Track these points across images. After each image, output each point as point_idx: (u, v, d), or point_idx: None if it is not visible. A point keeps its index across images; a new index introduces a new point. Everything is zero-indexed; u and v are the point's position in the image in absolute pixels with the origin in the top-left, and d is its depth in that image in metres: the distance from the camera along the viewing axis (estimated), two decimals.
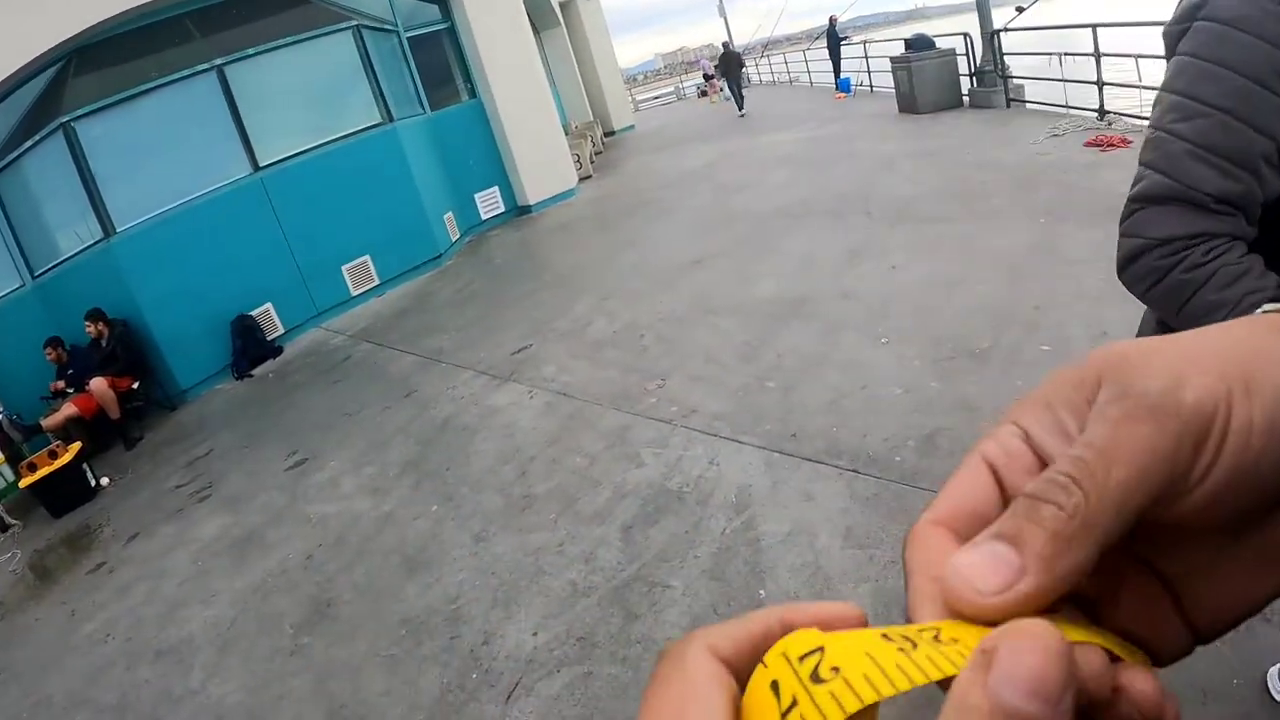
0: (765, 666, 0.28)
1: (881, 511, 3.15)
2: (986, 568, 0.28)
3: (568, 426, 4.94)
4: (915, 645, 0.27)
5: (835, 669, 0.26)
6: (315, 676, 3.65)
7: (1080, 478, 0.28)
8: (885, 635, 0.27)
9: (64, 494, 7.67)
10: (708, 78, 28.75)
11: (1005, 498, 0.32)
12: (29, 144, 9.07)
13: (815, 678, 0.26)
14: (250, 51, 9.65)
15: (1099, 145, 7.11)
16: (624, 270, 7.75)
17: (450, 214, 11.47)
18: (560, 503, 4.15)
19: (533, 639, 3.27)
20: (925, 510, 0.33)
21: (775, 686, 0.27)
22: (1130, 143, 6.94)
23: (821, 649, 0.27)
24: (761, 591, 2.99)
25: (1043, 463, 0.32)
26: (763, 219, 7.86)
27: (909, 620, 0.30)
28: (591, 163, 15.11)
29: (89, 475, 7.79)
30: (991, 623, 0.27)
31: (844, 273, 5.67)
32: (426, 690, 3.26)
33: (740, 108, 19.26)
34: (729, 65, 20.81)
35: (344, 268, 10.16)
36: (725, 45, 24.74)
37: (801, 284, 5.74)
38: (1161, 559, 0.32)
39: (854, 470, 3.46)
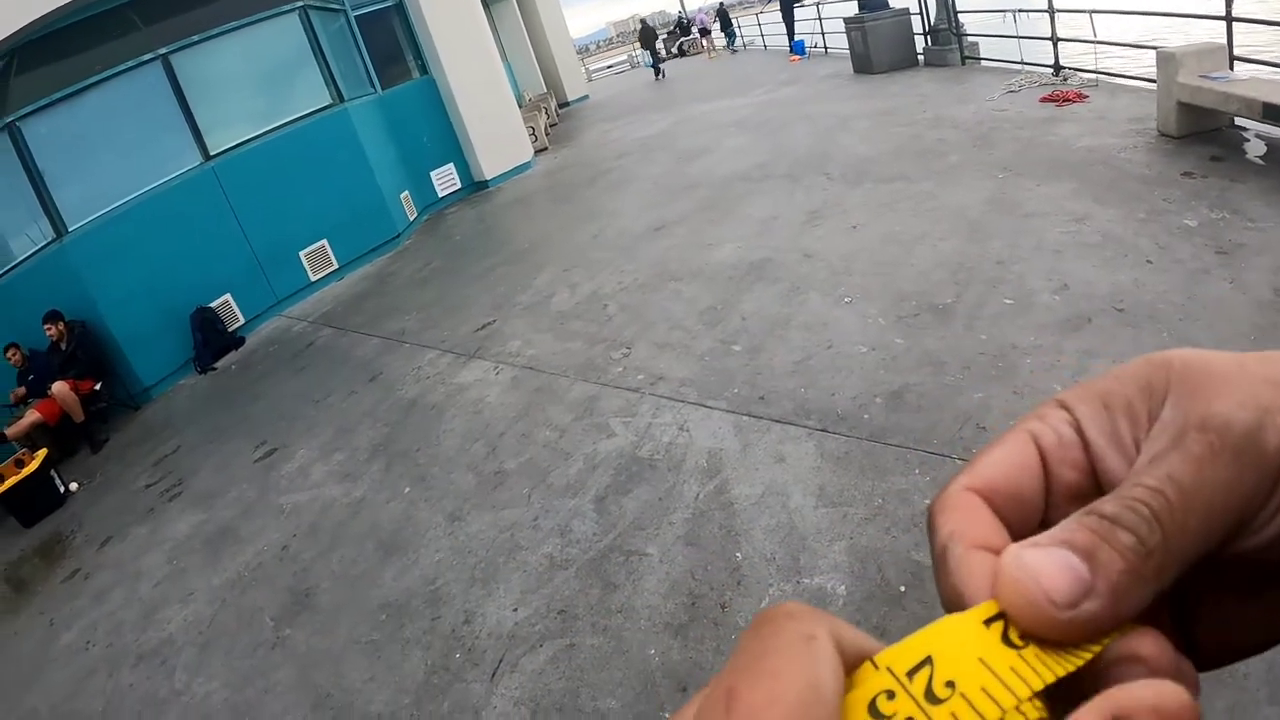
0: (875, 667, 0.26)
1: (853, 469, 3.17)
2: (1059, 576, 0.26)
3: (535, 400, 4.92)
4: (1021, 645, 0.25)
5: (950, 684, 0.25)
6: (299, 668, 3.64)
7: (1162, 515, 0.27)
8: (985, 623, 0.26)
9: (33, 503, 7.55)
10: (704, 32, 29.48)
11: (1049, 485, 0.31)
12: None
13: (931, 697, 0.24)
14: (195, 39, 9.46)
15: (1055, 100, 7.14)
16: (584, 241, 7.71)
17: (406, 193, 11.36)
18: (532, 477, 4.15)
19: (513, 615, 3.28)
20: (960, 475, 0.31)
21: (874, 709, 0.25)
22: (1087, 97, 6.97)
23: (930, 660, 0.26)
24: (738, 554, 3.00)
25: (1092, 465, 0.31)
26: (721, 184, 7.84)
27: (940, 588, 0.29)
28: (547, 135, 14.99)
29: (57, 481, 7.67)
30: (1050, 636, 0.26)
31: (805, 234, 5.67)
32: (411, 674, 3.27)
33: (658, 75, 23.39)
34: (647, 38, 25.43)
35: (302, 253, 10.05)
36: (643, 21, 28.03)
37: (763, 247, 5.74)
38: (1190, 582, 0.30)
39: (823, 429, 3.47)
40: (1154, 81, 5.68)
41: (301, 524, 4.80)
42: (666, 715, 2.53)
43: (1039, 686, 0.25)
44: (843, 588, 2.65)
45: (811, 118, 9.51)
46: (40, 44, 8.92)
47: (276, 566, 4.52)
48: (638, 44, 29.89)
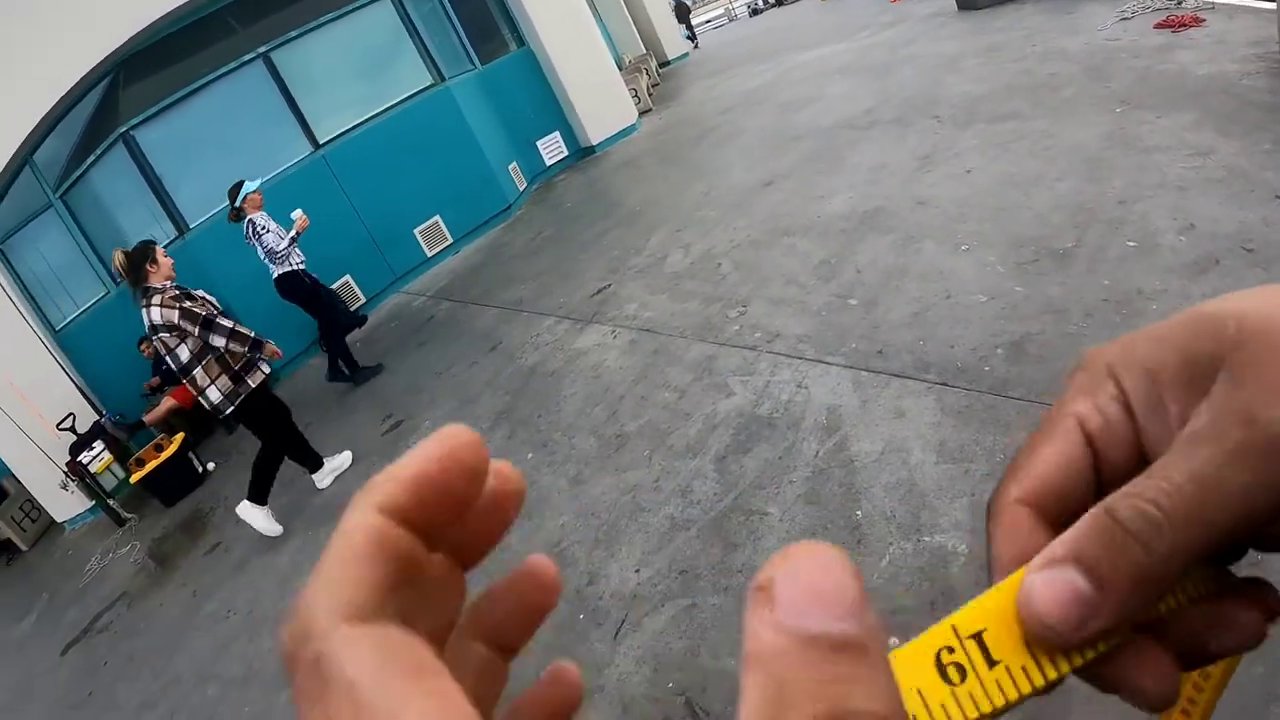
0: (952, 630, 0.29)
1: (974, 424, 3.12)
2: (1062, 603, 0.27)
3: (653, 362, 4.97)
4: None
5: (994, 661, 0.28)
6: None
7: (1174, 515, 0.26)
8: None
9: (174, 483, 8.03)
10: None
11: (1099, 467, 0.31)
12: (92, 158, 9.40)
13: (988, 660, 0.28)
14: (293, 34, 9.84)
15: (1170, 26, 6.76)
16: (694, 200, 7.70)
17: (515, 164, 11.51)
18: (653, 439, 4.20)
19: (636, 575, 3.35)
20: (1010, 478, 0.33)
21: (939, 660, 0.28)
22: (1204, 21, 6.61)
23: (983, 631, 0.28)
24: (858, 512, 3.00)
25: (1139, 441, 0.31)
26: (828, 133, 7.71)
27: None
28: (650, 95, 14.91)
29: (195, 462, 8.13)
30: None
31: (916, 181, 5.55)
32: (537, 634, 3.37)
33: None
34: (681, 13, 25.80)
35: (416, 231, 10.31)
36: None
37: (874, 196, 5.64)
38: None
39: (943, 383, 3.43)
40: (1274, 1, 5.37)
41: None
42: None
43: (1052, 676, 0.28)
44: (964, 546, 2.63)
45: (916, 59, 9.25)
46: (144, 56, 9.39)
47: None
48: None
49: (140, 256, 5.17)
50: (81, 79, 9.05)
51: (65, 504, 10.23)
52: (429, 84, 10.60)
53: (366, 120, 10.23)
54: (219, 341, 5.15)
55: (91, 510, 10.02)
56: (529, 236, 9.42)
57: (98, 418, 9.69)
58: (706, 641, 2.84)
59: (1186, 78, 5.39)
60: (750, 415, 3.94)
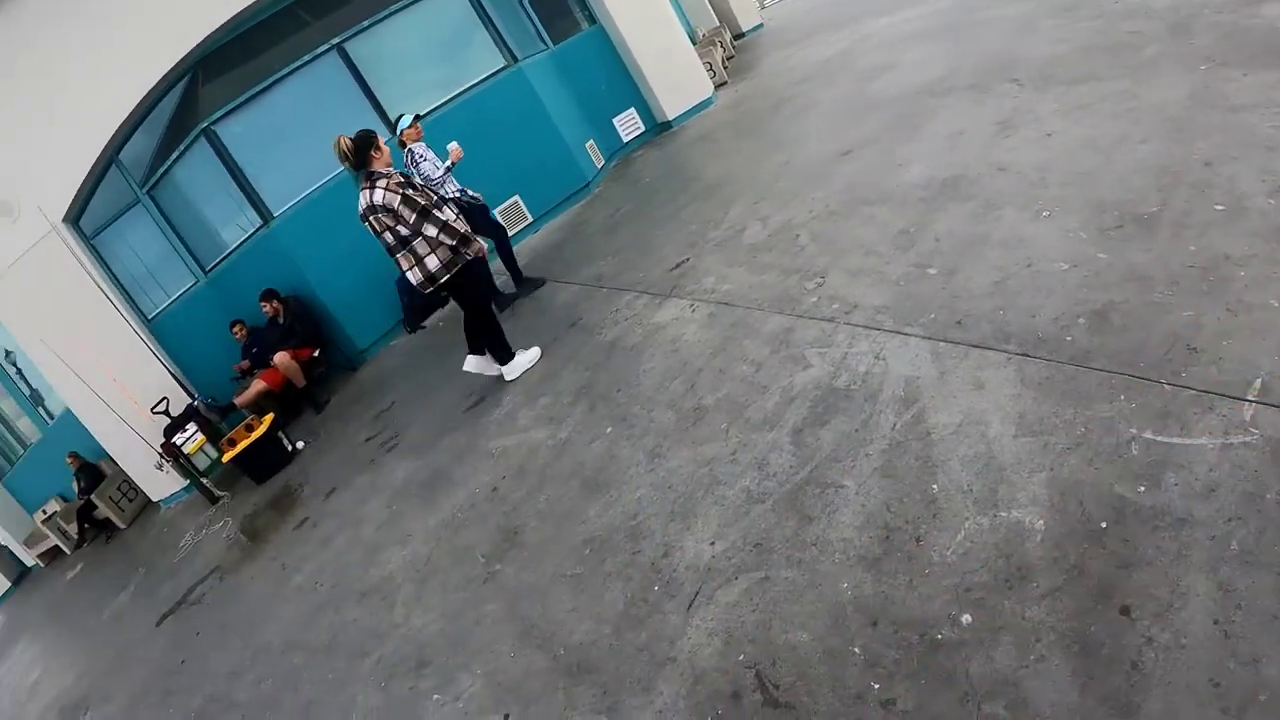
0: None
1: (1054, 395, 3.07)
2: None
3: (731, 335, 4.98)
4: None
5: None
6: (507, 600, 3.91)
7: None
8: None
9: (264, 462, 8.36)
10: None
11: None
12: (176, 154, 9.77)
13: None
14: (365, 24, 10.02)
15: None
16: (772, 171, 7.65)
17: (592, 141, 11.53)
18: (730, 412, 4.21)
19: (710, 548, 3.39)
20: None
21: None
22: None
23: None
24: (934, 486, 2.98)
25: None
26: (905, 101, 7.59)
27: None
28: (725, 68, 14.78)
29: (285, 442, 8.43)
30: None
31: (995, 146, 5.43)
32: (611, 605, 3.44)
33: None
34: None
35: (495, 211, 10.41)
36: None
37: (953, 163, 5.54)
38: None
39: (1023, 354, 3.37)
40: None
41: (510, 466, 5.08)
42: (856, 650, 2.57)
43: None
44: (1041, 523, 2.60)
45: (992, 21, 9.00)
46: (221, 53, 9.72)
47: (487, 507, 4.83)
48: None
49: (365, 143, 5.70)
50: (161, 79, 9.40)
51: (161, 484, 10.72)
52: (502, 66, 10.66)
53: (441, 105, 10.34)
54: (431, 231, 5.65)
55: (185, 489, 10.47)
56: (608, 213, 9.46)
57: (190, 401, 10.08)
58: (778, 615, 2.87)
59: (1274, 33, 5.17)
60: (827, 387, 3.93)
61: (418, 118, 6.52)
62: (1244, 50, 5.06)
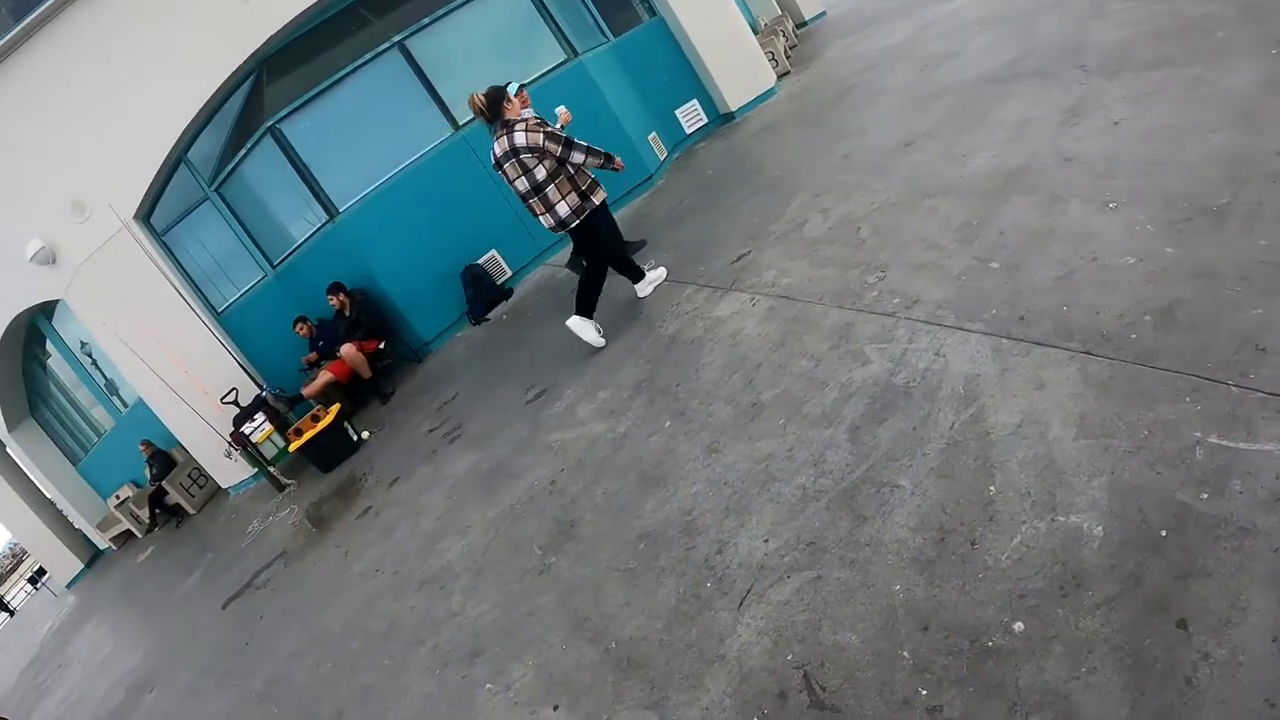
0: None
1: (1117, 396, 2.99)
2: None
3: (791, 330, 4.94)
4: None
5: None
6: (560, 593, 3.96)
7: None
8: None
9: (330, 451, 8.58)
10: None
11: None
12: (243, 152, 10.01)
13: None
14: (426, 21, 10.12)
15: None
16: (834, 163, 7.56)
17: (654, 134, 11.49)
18: (788, 408, 4.19)
19: (764, 546, 3.38)
20: None
21: None
22: None
23: None
24: (991, 488, 2.94)
25: None
26: (969, 89, 7.44)
27: None
28: (787, 57, 14.62)
29: (350, 432, 8.62)
30: None
31: (1062, 135, 5.29)
32: (663, 600, 3.46)
33: None
34: None
35: None
36: None
37: (1017, 153, 5.41)
38: None
39: (1086, 352, 3.29)
40: None
41: (569, 459, 5.12)
42: (905, 654, 2.55)
43: None
44: (1099, 528, 2.54)
45: (1059, 5, 8.73)
46: (284, 53, 9.96)
47: (545, 499, 4.87)
48: None
49: (498, 95, 6.14)
50: (227, 79, 9.66)
51: (229, 472, 11.07)
52: (563, 60, 10.68)
53: None
54: (578, 157, 6.12)
55: (254, 477, 10.78)
56: (670, 205, 9.43)
57: (259, 392, 10.36)
58: (829, 616, 2.85)
59: None
60: (886, 384, 3.89)
61: (523, 86, 6.66)
62: None
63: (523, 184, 6.14)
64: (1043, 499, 2.75)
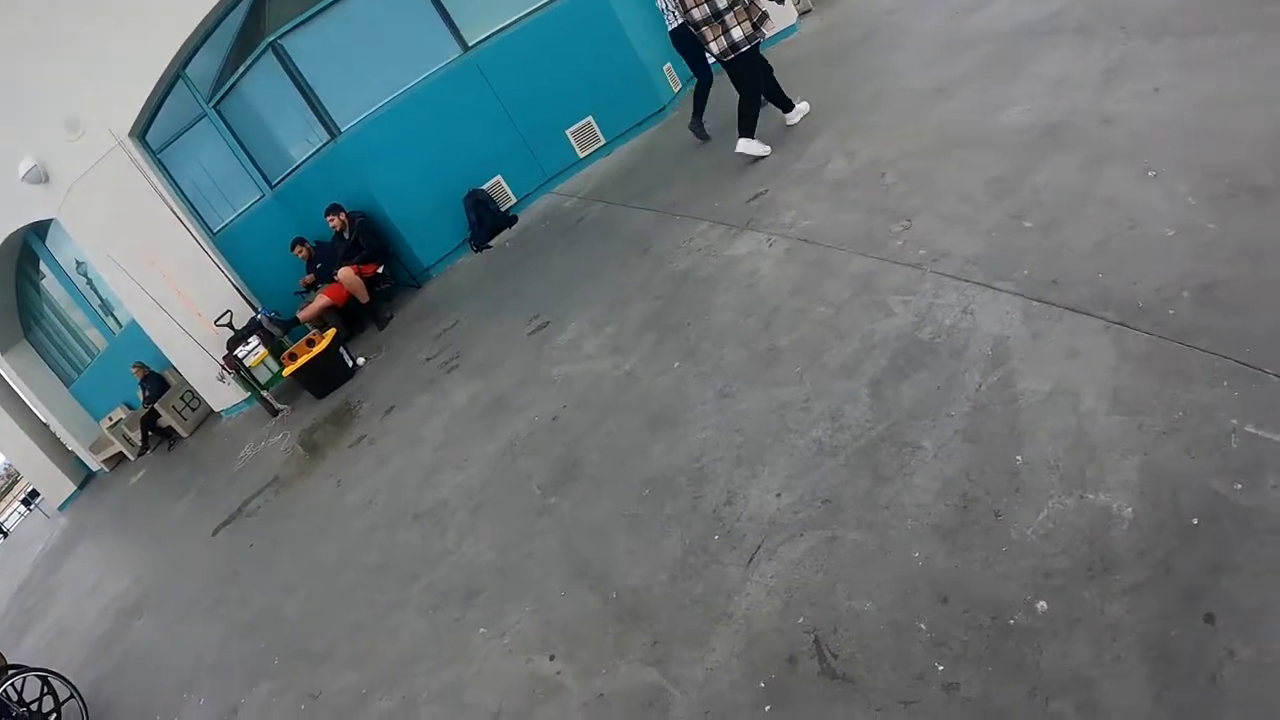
0: None
1: (1153, 373, 2.90)
2: None
3: (810, 274, 4.84)
4: None
5: None
6: (561, 536, 3.90)
7: None
8: None
9: (325, 377, 8.58)
10: None
11: None
12: (244, 69, 9.80)
13: None
14: None
15: None
16: (860, 104, 7.39)
17: (669, 65, 11.25)
18: (805, 356, 4.11)
19: (776, 500, 3.32)
20: None
21: None
22: None
23: None
24: (1018, 457, 2.88)
25: None
26: (1005, 39, 7.21)
27: None
28: None
29: (346, 357, 8.59)
30: None
31: (1102, 96, 5.12)
32: (669, 551, 3.40)
33: None
34: None
35: (568, 131, 10.32)
36: None
37: (1056, 110, 5.25)
38: None
39: (1122, 324, 3.20)
40: None
41: (572, 395, 5.06)
42: (922, 626, 2.51)
43: None
44: (1130, 510, 2.48)
45: None
46: None
47: (547, 436, 4.79)
48: None
49: None
50: None
51: (223, 395, 11.10)
52: None
53: (515, 21, 10.15)
54: None
55: (247, 401, 10.79)
56: (682, 138, 9.20)
57: (254, 314, 10.26)
58: (844, 579, 2.80)
59: None
60: (910, 338, 3.82)
61: None
62: None
63: (701, 11, 6.70)
64: (1072, 474, 2.69)
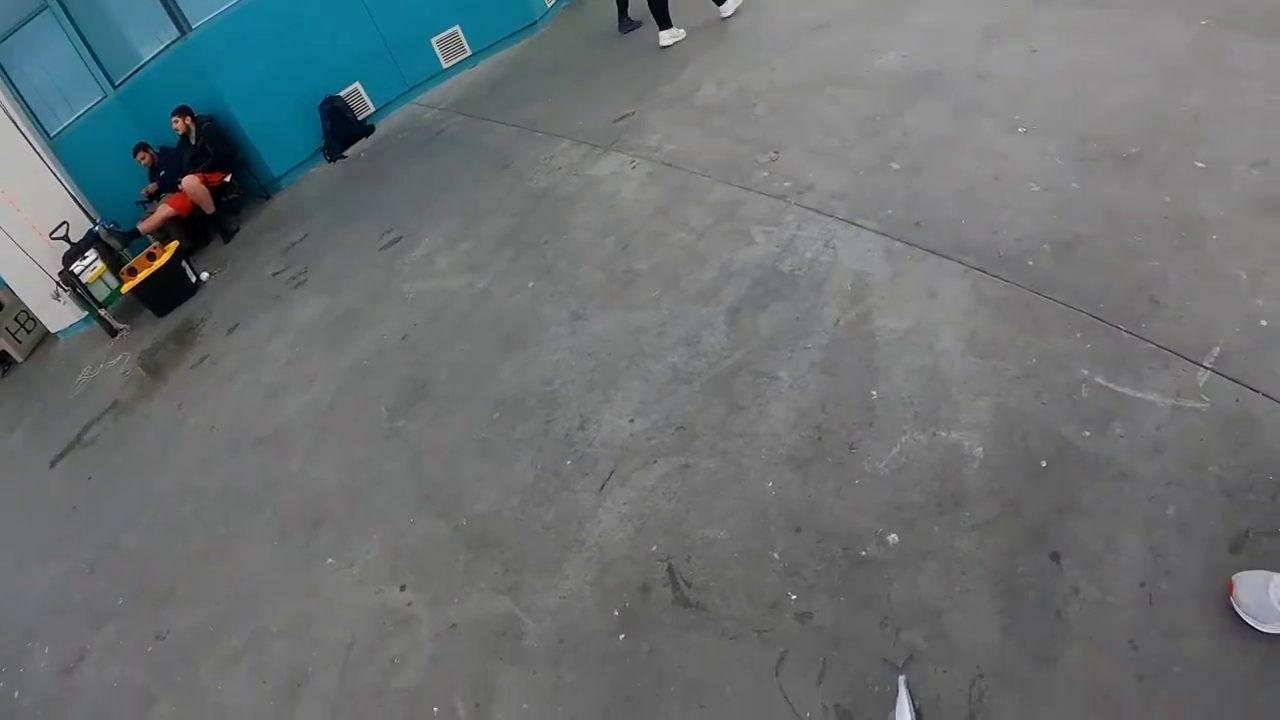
0: None
1: (1009, 319, 2.94)
2: None
3: (673, 199, 4.76)
4: None
5: None
6: (409, 459, 3.75)
7: None
8: None
9: (166, 293, 8.02)
10: None
11: None
12: None
13: None
14: None
15: None
16: (736, 33, 7.28)
17: None
18: (663, 280, 4.04)
19: (629, 425, 3.25)
20: None
21: None
22: None
23: None
24: (874, 392, 2.87)
25: None
26: None
27: None
28: None
29: (189, 272, 8.08)
30: None
31: (979, 52, 5.14)
32: (520, 476, 3.30)
33: None
34: None
35: (433, 40, 9.84)
36: None
37: (932, 59, 5.25)
38: None
39: (981, 270, 3.23)
40: None
41: (424, 312, 4.87)
42: (776, 555, 2.48)
43: None
44: (980, 450, 2.51)
45: None
46: None
47: (396, 355, 4.62)
48: None
49: None
50: None
51: (59, 314, 10.14)
52: None
53: None
54: None
55: (84, 321, 9.93)
56: (553, 55, 8.95)
57: (92, 226, 9.45)
58: (697, 506, 2.76)
59: None
60: (770, 269, 3.78)
61: None
62: (1252, 16, 4.64)
63: None
64: (926, 411, 2.71)
